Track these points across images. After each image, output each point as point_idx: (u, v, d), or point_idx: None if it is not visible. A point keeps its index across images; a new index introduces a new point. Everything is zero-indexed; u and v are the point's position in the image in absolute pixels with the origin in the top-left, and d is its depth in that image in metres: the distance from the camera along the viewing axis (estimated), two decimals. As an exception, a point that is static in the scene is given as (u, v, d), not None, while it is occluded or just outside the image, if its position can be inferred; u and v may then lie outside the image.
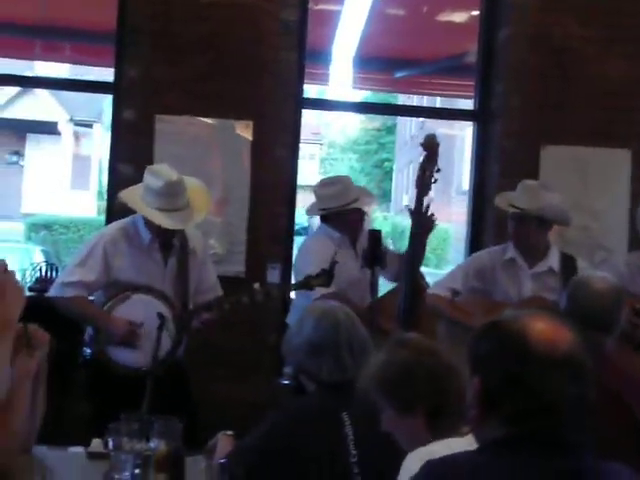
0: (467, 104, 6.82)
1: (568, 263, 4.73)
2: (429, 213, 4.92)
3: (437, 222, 5.04)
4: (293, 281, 5.10)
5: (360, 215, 5.14)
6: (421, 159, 5.09)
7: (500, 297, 4.78)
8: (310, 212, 5.31)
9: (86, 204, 27.28)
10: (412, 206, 5.04)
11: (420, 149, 5.07)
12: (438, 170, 4.99)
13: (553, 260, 4.75)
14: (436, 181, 5.04)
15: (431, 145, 5.02)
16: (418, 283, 5.02)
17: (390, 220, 31.70)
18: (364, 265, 4.72)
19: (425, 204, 4.90)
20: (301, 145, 6.09)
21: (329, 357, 3.00)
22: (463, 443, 2.13)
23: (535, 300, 4.65)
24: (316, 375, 3.01)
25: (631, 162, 5.87)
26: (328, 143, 44.21)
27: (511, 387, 1.81)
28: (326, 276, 4.49)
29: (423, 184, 4.98)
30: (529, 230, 4.71)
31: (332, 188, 5.05)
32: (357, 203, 5.06)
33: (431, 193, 4.98)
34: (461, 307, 4.82)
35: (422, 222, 4.95)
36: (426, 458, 2.06)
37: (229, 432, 3.23)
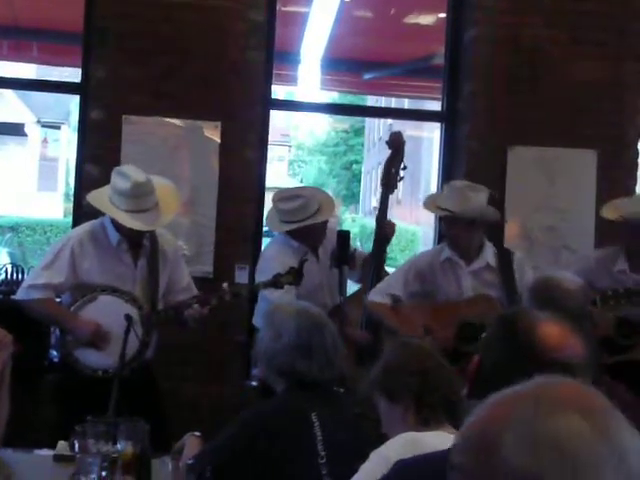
0: (435, 105, 6.85)
1: (504, 257, 4.77)
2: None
3: (400, 226, 5.07)
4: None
5: (322, 225, 5.03)
6: (387, 157, 5.10)
7: (442, 297, 4.81)
8: (273, 228, 5.15)
9: (53, 206, 27.09)
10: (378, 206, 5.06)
11: (388, 151, 5.09)
12: (404, 168, 5.00)
13: (489, 256, 4.78)
14: (402, 179, 5.05)
15: (397, 142, 5.03)
16: None
17: (358, 222, 31.75)
18: (332, 265, 4.72)
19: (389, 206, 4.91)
20: (270, 147, 6.08)
21: (320, 355, 3.02)
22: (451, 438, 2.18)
23: (480, 298, 4.68)
24: (306, 375, 3.01)
25: (597, 163, 5.92)
26: (297, 145, 44.25)
27: (499, 373, 1.80)
28: (295, 274, 4.47)
29: (389, 182, 4.99)
30: (459, 231, 4.73)
31: (293, 203, 4.91)
32: (318, 215, 4.94)
33: (399, 195, 5.00)
34: (403, 314, 4.81)
35: (387, 228, 4.97)
36: (411, 440, 2.34)
37: (197, 433, 3.22)
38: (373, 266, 5.00)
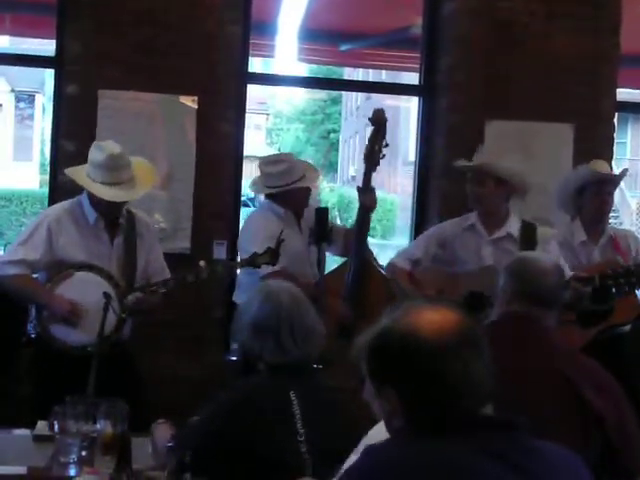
0: (412, 77, 6.83)
1: (528, 230, 4.83)
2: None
3: (378, 195, 5.11)
4: (238, 258, 5.12)
5: (306, 192, 5.15)
6: (369, 134, 5.12)
7: (459, 265, 4.87)
8: (256, 190, 5.28)
9: (29, 176, 26.92)
10: (360, 182, 5.10)
11: (366, 120, 5.11)
12: (386, 145, 5.03)
13: (512, 227, 4.85)
14: (384, 156, 5.08)
15: (379, 120, 5.06)
16: (366, 259, 5.07)
17: (336, 191, 31.73)
18: (311, 242, 4.76)
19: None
20: (247, 115, 6.06)
21: (270, 339, 3.00)
22: None
23: (491, 268, 4.71)
24: (258, 355, 3.02)
25: (574, 137, 5.93)
26: (274, 113, 44.08)
27: (427, 389, 1.83)
28: (272, 254, 4.51)
29: (372, 159, 5.02)
30: (489, 189, 4.81)
31: (278, 166, 5.03)
32: (303, 181, 5.06)
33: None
34: (417, 280, 4.90)
35: (370, 199, 5.00)
36: None
37: (161, 420, 3.25)
38: (357, 238, 5.05)
